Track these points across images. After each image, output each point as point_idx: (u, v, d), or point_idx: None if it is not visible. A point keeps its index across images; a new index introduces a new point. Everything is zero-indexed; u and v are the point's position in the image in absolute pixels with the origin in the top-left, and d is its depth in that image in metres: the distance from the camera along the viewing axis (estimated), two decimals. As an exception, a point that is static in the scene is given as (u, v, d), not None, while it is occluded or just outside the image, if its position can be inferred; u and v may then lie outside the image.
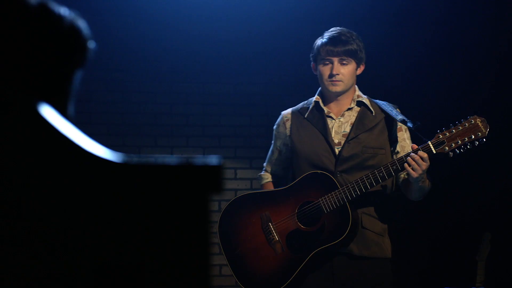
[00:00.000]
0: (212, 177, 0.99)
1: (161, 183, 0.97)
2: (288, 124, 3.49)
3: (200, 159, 0.99)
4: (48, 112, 0.98)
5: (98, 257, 0.95)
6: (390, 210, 3.41)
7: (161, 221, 0.97)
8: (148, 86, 5.52)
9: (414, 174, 3.12)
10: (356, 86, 3.45)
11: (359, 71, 3.42)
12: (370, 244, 3.32)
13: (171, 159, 0.99)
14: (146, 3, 5.32)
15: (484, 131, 3.12)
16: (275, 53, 5.62)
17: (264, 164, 3.66)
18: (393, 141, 3.38)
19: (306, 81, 5.52)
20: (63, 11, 1.13)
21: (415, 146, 3.17)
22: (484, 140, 3.12)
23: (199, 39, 5.52)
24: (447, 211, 5.56)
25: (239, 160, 5.66)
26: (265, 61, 5.61)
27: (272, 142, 3.61)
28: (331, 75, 3.33)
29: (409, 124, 3.24)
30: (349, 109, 3.40)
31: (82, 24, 1.15)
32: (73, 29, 1.13)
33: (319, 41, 3.40)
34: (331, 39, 3.35)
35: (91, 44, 1.17)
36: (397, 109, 3.38)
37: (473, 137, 3.12)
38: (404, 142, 3.38)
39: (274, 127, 3.58)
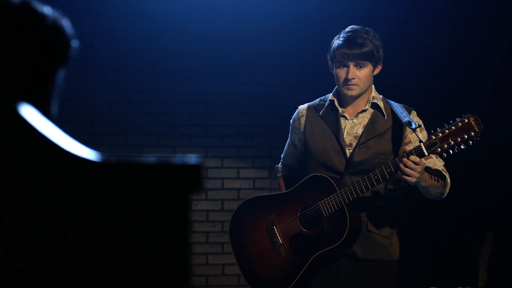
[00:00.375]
0: (191, 177, 0.99)
1: (139, 182, 0.97)
2: (303, 120, 3.44)
3: (179, 158, 0.99)
4: (27, 112, 0.98)
5: (76, 257, 0.94)
6: (397, 212, 3.35)
7: (139, 220, 0.97)
8: (150, 85, 5.53)
9: (411, 179, 3.07)
10: (372, 86, 3.36)
11: (376, 71, 3.32)
12: (376, 247, 3.29)
13: (150, 158, 0.99)
14: (148, 3, 5.32)
15: (477, 130, 3.02)
16: (277, 53, 5.62)
17: (282, 156, 3.64)
18: (407, 143, 3.30)
19: (308, 80, 5.52)
20: (46, 10, 1.13)
21: (408, 148, 3.09)
22: (478, 139, 3.03)
23: (201, 39, 5.53)
24: (449, 210, 5.55)
25: (242, 160, 5.66)
26: (267, 61, 5.61)
27: (289, 135, 3.57)
28: (346, 80, 3.26)
29: (413, 126, 3.16)
30: (364, 110, 3.33)
31: (65, 23, 1.15)
32: (56, 28, 1.13)
33: (335, 42, 3.30)
34: (347, 42, 3.24)
35: (75, 43, 1.17)
36: (413, 112, 3.33)
37: (466, 136, 3.03)
38: (416, 143, 3.23)
39: (291, 121, 3.53)
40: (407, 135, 3.31)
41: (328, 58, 3.37)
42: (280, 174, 3.63)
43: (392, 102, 3.36)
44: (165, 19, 5.44)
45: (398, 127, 3.30)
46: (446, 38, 5.55)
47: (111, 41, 5.39)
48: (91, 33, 5.36)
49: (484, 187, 5.45)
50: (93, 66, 5.41)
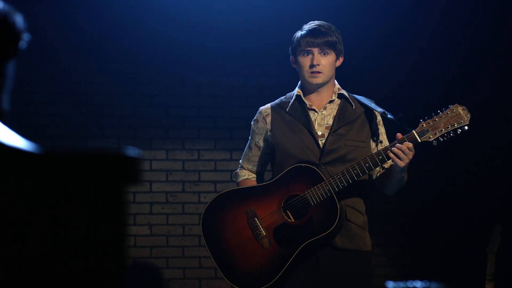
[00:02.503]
0: (127, 168, 0.99)
1: (73, 172, 0.98)
2: (268, 119, 3.48)
3: (115, 150, 1.00)
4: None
5: (8, 249, 0.95)
6: (368, 204, 3.44)
7: (71, 209, 0.97)
8: (159, 78, 5.54)
9: (401, 164, 3.16)
10: (335, 80, 3.46)
11: (338, 63, 3.44)
12: (353, 237, 3.33)
13: (87, 149, 0.99)
14: (156, -4, 5.35)
15: (466, 119, 3.17)
16: (287, 45, 5.59)
17: (240, 161, 3.63)
18: (375, 133, 3.42)
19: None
20: (-4, 4, 1.14)
21: (400, 136, 3.19)
22: (466, 128, 3.16)
23: (210, 31, 5.53)
24: (458, 203, 5.53)
25: (251, 152, 5.66)
26: (277, 53, 5.59)
27: (250, 138, 3.59)
28: (311, 66, 3.34)
29: (390, 116, 3.28)
30: (331, 101, 3.42)
31: (16, 16, 1.16)
32: (5, 22, 1.14)
33: (298, 34, 3.43)
34: (311, 31, 3.37)
35: (25, 37, 1.18)
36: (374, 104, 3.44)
37: (456, 125, 3.17)
38: (382, 136, 3.44)
39: (252, 123, 3.56)
40: (377, 127, 3.43)
41: (290, 52, 3.48)
42: (242, 178, 3.59)
43: (355, 95, 3.45)
44: (174, 11, 5.44)
45: (367, 116, 3.40)
46: (446, 36, 5.55)
47: (119, 34, 5.41)
48: (100, 26, 5.39)
49: (493, 180, 5.42)
50: (102, 59, 5.43)
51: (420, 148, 3.32)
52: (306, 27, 3.41)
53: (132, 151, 1.00)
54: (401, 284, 2.08)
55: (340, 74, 3.55)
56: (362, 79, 5.38)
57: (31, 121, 5.27)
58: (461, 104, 3.19)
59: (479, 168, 5.48)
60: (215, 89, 5.61)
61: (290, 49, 3.47)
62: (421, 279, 4.43)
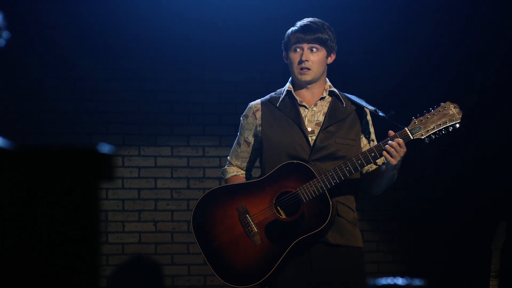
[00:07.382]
0: (99, 164, 0.99)
1: (46, 168, 0.98)
2: (258, 114, 3.47)
3: (87, 146, 1.00)
4: None
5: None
6: (358, 200, 3.43)
7: (43, 205, 0.97)
8: (164, 74, 5.56)
9: (393, 161, 3.15)
10: (326, 78, 3.46)
11: (329, 60, 3.43)
12: (344, 233, 3.32)
13: (60, 145, 0.99)
14: (160, -8, 5.36)
15: (458, 116, 3.17)
16: (291, 41, 5.61)
17: (228, 158, 3.62)
18: (365, 131, 3.42)
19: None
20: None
21: (392, 133, 3.19)
22: (458, 125, 3.16)
23: (215, 27, 5.54)
24: (463, 200, 5.52)
25: (257, 149, 5.66)
26: (281, 49, 5.60)
27: (238, 134, 3.58)
28: (300, 62, 3.35)
29: (381, 114, 3.28)
30: (322, 98, 3.42)
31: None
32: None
33: (290, 29, 3.44)
34: (302, 27, 3.38)
35: (5, 34, 1.18)
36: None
37: (447, 122, 3.17)
38: (372, 135, 3.44)
39: (241, 118, 3.56)
40: (368, 125, 3.43)
41: (283, 47, 3.48)
42: (231, 175, 3.58)
43: (346, 94, 3.45)
44: (179, 8, 5.45)
45: (357, 114, 3.40)
46: (445, 35, 5.56)
47: (124, 30, 5.43)
48: (105, 22, 5.40)
49: (498, 176, 5.41)
50: (107, 56, 5.45)
51: (422, 145, 3.31)
52: (298, 23, 3.42)
53: (105, 148, 1.00)
54: (383, 281, 2.08)
55: (338, 72, 3.54)
56: (360, 78, 5.39)
57: (36, 117, 5.29)
58: (453, 101, 3.19)
59: (484, 164, 5.47)
60: (220, 85, 5.62)
61: (282, 44, 3.48)
62: (424, 276, 4.43)
